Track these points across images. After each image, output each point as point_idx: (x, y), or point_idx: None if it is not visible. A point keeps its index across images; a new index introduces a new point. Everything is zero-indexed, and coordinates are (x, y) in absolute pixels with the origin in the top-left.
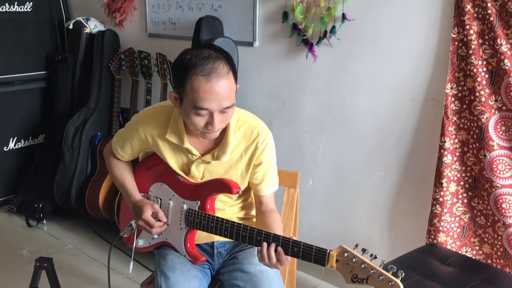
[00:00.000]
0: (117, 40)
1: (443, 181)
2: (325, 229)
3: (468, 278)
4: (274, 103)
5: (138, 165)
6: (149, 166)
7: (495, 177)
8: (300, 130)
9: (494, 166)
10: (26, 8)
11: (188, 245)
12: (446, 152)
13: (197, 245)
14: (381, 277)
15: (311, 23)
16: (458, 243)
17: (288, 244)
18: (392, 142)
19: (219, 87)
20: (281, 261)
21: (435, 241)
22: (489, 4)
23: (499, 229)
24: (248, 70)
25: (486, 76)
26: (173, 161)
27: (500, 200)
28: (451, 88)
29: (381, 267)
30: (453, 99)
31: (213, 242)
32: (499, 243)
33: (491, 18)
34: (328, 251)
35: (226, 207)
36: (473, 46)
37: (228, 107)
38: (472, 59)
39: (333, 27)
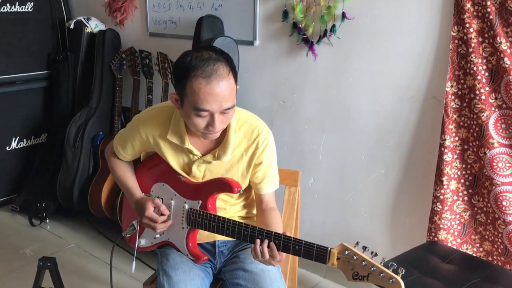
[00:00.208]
0: (118, 40)
1: (444, 178)
2: (326, 227)
3: (469, 276)
4: (275, 101)
5: (139, 165)
6: (151, 166)
7: (495, 174)
8: (301, 128)
9: (494, 163)
10: (27, 8)
11: (190, 244)
12: (446, 150)
13: (199, 244)
14: (381, 274)
15: (311, 22)
16: (458, 240)
17: (290, 242)
18: (392, 140)
19: (219, 89)
20: (274, 257)
21: (435, 239)
22: (488, 3)
23: (499, 226)
24: (249, 69)
25: (486, 74)
26: (174, 161)
27: (501, 198)
28: (451, 86)
29: (382, 264)
30: (453, 97)
31: (215, 241)
32: (500, 240)
33: (491, 16)
34: (329, 249)
35: (228, 206)
36: (473, 44)
37: (228, 108)
38: (472, 57)
39: (333, 25)
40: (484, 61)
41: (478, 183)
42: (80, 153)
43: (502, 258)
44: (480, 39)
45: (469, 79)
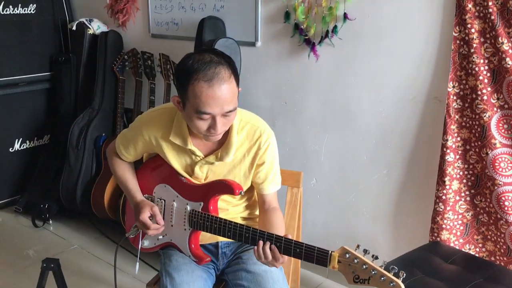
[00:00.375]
0: (120, 41)
1: (446, 179)
2: (329, 227)
3: (472, 276)
4: (277, 102)
5: (142, 166)
6: (153, 168)
7: (498, 175)
8: (303, 129)
9: (496, 164)
10: (30, 10)
11: (193, 245)
12: (448, 151)
13: (202, 245)
14: (382, 278)
15: (313, 23)
16: (461, 240)
17: (291, 245)
18: (394, 140)
19: (221, 92)
20: (276, 258)
21: (438, 239)
22: (490, 3)
23: (501, 226)
24: (251, 70)
25: (488, 74)
26: (177, 162)
27: (503, 198)
28: (453, 86)
29: (383, 267)
30: (455, 97)
31: (217, 242)
32: (502, 240)
33: (492, 17)
34: (329, 252)
35: (230, 207)
36: (474, 45)
37: (230, 111)
38: (473, 57)
39: (335, 26)
40: (486, 61)
41: (480, 183)
42: (83, 154)
43: (505, 258)
44: (482, 40)
45: (471, 79)
